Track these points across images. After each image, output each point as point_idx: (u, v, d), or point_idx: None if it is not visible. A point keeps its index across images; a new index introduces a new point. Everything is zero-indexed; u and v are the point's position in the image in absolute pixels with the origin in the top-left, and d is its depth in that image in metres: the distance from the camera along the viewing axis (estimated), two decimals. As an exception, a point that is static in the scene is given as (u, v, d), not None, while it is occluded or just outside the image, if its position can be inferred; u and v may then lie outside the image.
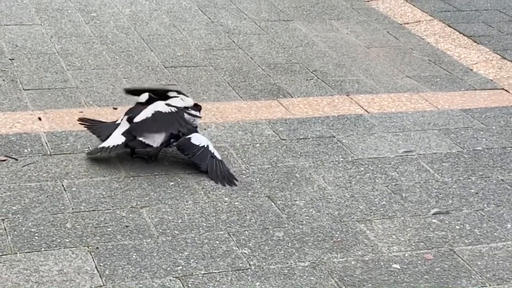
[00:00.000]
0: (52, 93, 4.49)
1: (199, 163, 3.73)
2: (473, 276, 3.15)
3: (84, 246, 3.16)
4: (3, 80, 4.57)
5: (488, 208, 3.63)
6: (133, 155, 3.84)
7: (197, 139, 3.79)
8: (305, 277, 3.09)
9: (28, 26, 5.42)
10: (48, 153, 3.84)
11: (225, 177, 3.68)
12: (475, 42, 5.63)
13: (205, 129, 4.16)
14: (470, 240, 3.38)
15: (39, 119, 4.13)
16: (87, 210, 3.40)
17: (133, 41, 5.31)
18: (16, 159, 3.74)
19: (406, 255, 3.26)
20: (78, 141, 3.97)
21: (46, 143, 3.92)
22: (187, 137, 3.78)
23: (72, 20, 5.60)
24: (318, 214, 3.51)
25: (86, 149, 3.89)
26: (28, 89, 4.50)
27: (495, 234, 3.44)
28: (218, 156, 3.77)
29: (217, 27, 5.66)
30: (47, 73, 4.74)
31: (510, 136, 4.31)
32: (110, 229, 3.28)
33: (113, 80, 4.72)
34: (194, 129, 3.84)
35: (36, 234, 3.22)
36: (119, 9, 5.87)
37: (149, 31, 5.49)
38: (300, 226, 3.41)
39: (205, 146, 3.77)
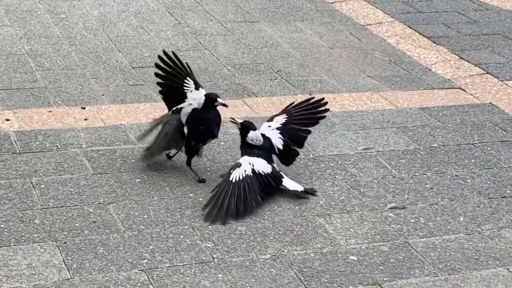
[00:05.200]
0: (21, 93, 4.58)
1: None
2: (426, 267, 3.31)
3: (52, 241, 3.27)
4: (-27, 80, 4.66)
5: (442, 202, 3.79)
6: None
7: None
8: (266, 269, 3.22)
9: (-3, 27, 5.50)
10: (17, 151, 3.94)
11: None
12: (434, 43, 5.81)
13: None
14: (424, 233, 3.54)
15: (7, 120, 4.22)
16: (55, 206, 3.51)
17: (101, 42, 5.42)
18: (-14, 158, 3.83)
19: (363, 247, 3.41)
20: (46, 139, 4.07)
21: (15, 141, 4.02)
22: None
23: (41, 21, 5.68)
24: (280, 209, 3.65)
25: (54, 148, 3.99)
26: (-3, 89, 4.59)
27: (448, 227, 3.60)
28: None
29: (184, 28, 5.78)
30: (16, 74, 4.83)
31: (465, 134, 4.49)
32: (77, 225, 3.40)
33: (82, 80, 4.82)
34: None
35: (5, 230, 3.32)
36: (88, 11, 5.96)
37: (117, 32, 5.60)
38: (262, 221, 3.54)
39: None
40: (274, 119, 3.91)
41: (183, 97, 3.83)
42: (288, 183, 3.73)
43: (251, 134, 3.74)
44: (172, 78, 3.84)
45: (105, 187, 3.69)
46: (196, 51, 5.39)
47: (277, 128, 3.87)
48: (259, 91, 4.87)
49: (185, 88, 3.83)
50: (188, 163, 3.85)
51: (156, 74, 3.88)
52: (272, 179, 3.68)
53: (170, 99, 3.90)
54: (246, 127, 3.75)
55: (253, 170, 3.63)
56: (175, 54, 3.84)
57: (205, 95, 3.80)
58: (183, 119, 3.81)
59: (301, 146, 3.91)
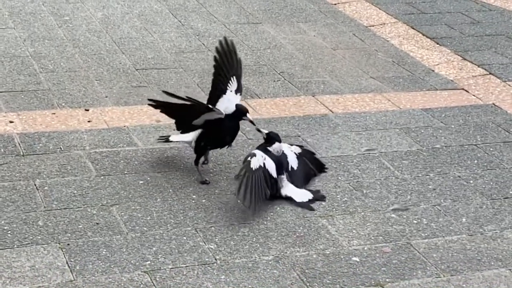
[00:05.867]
0: (25, 95, 4.60)
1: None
2: (428, 268, 3.31)
3: (56, 243, 3.29)
4: (-23, 83, 4.68)
5: (444, 203, 3.80)
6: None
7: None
8: (268, 270, 3.23)
9: (1, 29, 5.52)
10: (21, 153, 3.95)
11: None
12: (437, 43, 5.81)
13: (174, 129, 4.29)
14: (426, 234, 3.55)
15: (11, 122, 4.24)
16: (58, 208, 3.53)
17: (105, 44, 5.43)
18: (-10, 160, 3.85)
19: (365, 248, 3.42)
20: (50, 142, 4.09)
21: (19, 144, 4.04)
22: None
23: (45, 23, 5.70)
24: (282, 210, 3.66)
25: (58, 150, 4.01)
26: (2, 92, 4.61)
27: (451, 228, 3.61)
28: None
29: (187, 30, 5.79)
30: (20, 76, 4.85)
31: (468, 134, 4.49)
32: (81, 226, 3.41)
33: (85, 82, 4.84)
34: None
35: (9, 232, 3.33)
36: (92, 13, 5.98)
37: (120, 34, 5.61)
38: (265, 222, 3.55)
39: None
40: (293, 146, 3.95)
41: (221, 92, 3.90)
42: (294, 193, 3.74)
43: (276, 146, 3.77)
44: (223, 68, 3.95)
45: (108, 189, 3.71)
46: (199, 52, 5.41)
47: (295, 153, 3.89)
48: (262, 92, 4.88)
49: (228, 84, 3.91)
50: (196, 162, 3.87)
51: (215, 58, 4.01)
52: (273, 185, 3.69)
53: (214, 87, 3.98)
54: (272, 138, 3.78)
55: (264, 164, 3.66)
56: (234, 47, 3.97)
57: (237, 105, 3.82)
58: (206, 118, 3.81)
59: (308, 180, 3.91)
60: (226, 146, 3.93)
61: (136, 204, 3.61)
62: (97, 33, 5.60)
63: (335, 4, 6.60)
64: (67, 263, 3.17)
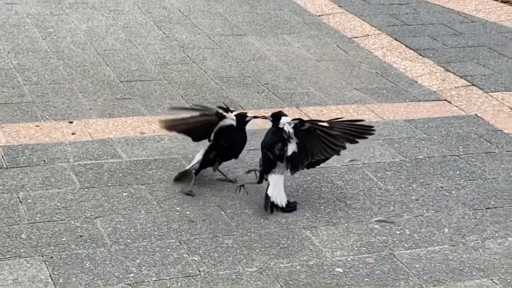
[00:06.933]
0: (8, 107, 4.60)
1: None
2: (411, 278, 3.33)
3: (39, 255, 3.28)
4: (-40, 95, 4.67)
5: (427, 214, 3.82)
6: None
7: None
8: (252, 281, 3.24)
9: (-15, 42, 5.51)
10: (5, 166, 3.95)
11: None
12: (420, 55, 5.86)
13: (158, 142, 4.30)
14: (409, 244, 3.57)
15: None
16: (42, 221, 3.52)
17: (89, 56, 5.44)
18: (-27, 173, 3.84)
19: (349, 259, 3.43)
20: (34, 154, 4.08)
21: (2, 156, 4.03)
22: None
23: (29, 35, 5.70)
24: (266, 221, 3.67)
25: (42, 162, 4.01)
26: (-15, 104, 4.61)
27: (433, 238, 3.63)
28: None
29: (172, 42, 5.81)
30: (4, 88, 4.84)
31: (451, 145, 4.52)
32: (64, 239, 3.41)
33: (69, 94, 4.84)
34: None
35: (-8, 245, 3.33)
36: (76, 25, 5.99)
37: (105, 46, 5.62)
38: (249, 234, 3.56)
39: None
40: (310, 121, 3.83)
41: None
42: (272, 191, 3.72)
43: (284, 119, 3.74)
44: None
45: (92, 201, 3.71)
46: (184, 64, 5.42)
47: (296, 130, 3.74)
48: (247, 104, 4.90)
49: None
50: (197, 172, 3.87)
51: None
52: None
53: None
54: (277, 116, 3.76)
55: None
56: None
57: (236, 115, 3.85)
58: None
59: (314, 157, 3.77)
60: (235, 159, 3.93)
61: (120, 216, 3.61)
62: (81, 45, 5.60)
63: (319, 15, 6.64)
64: (50, 276, 3.16)
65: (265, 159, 3.76)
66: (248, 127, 3.91)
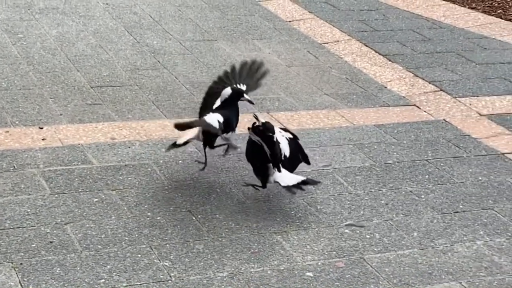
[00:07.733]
0: (-23, 113, 4.56)
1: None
2: (380, 282, 3.37)
3: (8, 262, 3.26)
4: None
5: (397, 218, 3.86)
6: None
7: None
8: (223, 286, 3.25)
9: (-47, 47, 5.47)
10: (-27, 172, 3.92)
11: None
12: (389, 60, 5.92)
13: (129, 147, 4.30)
14: (379, 248, 3.60)
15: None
16: (11, 227, 3.50)
17: (59, 61, 5.42)
18: None
19: (319, 263, 3.46)
20: (3, 160, 4.06)
21: (-29, 163, 4.00)
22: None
23: (-2, 41, 5.66)
24: (237, 226, 3.68)
25: (11, 168, 3.98)
26: (-46, 110, 4.56)
27: (403, 242, 3.67)
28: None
29: (142, 48, 5.80)
30: (-28, 94, 4.81)
31: (420, 150, 4.58)
32: (34, 245, 3.39)
33: (39, 100, 4.81)
34: None
35: (-39, 252, 3.30)
36: (46, 30, 5.96)
37: (75, 52, 5.60)
38: (220, 239, 3.57)
39: None
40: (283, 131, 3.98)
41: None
42: (281, 178, 3.77)
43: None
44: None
45: (63, 207, 3.69)
46: (155, 70, 5.42)
47: (287, 138, 3.92)
48: (217, 109, 4.90)
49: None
50: (204, 146, 4.01)
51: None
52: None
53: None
54: (267, 129, 3.81)
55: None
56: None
57: (232, 87, 3.97)
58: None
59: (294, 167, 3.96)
60: (231, 132, 3.99)
61: (91, 222, 3.60)
62: (51, 51, 5.58)
63: (290, 21, 6.67)
64: (20, 282, 3.15)
65: (255, 169, 3.86)
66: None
